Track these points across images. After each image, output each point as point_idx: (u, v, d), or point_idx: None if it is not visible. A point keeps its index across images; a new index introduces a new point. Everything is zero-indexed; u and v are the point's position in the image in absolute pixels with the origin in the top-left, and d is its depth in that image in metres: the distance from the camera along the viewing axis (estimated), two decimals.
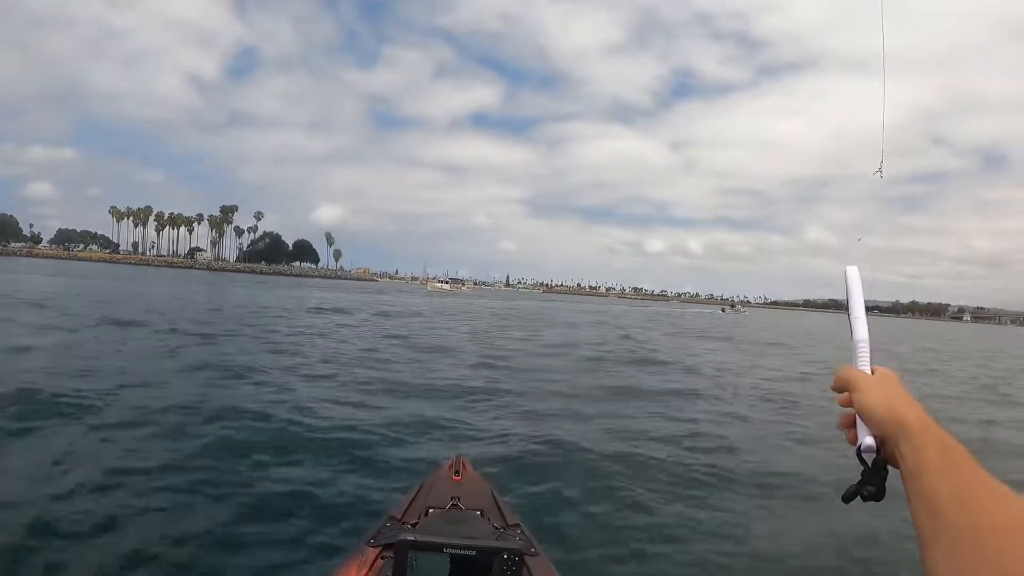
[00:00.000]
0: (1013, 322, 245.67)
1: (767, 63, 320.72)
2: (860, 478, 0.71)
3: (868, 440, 0.71)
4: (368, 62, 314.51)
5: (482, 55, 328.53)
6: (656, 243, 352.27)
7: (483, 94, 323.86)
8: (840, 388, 0.75)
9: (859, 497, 0.72)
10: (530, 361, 14.88)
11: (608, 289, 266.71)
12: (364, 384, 10.11)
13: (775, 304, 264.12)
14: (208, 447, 5.96)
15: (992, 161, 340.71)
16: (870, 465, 0.71)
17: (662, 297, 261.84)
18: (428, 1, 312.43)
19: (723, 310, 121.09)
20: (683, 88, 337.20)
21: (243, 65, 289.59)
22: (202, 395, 8.25)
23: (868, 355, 0.77)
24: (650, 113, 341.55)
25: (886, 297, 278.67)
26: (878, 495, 0.70)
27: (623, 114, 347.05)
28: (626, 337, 24.81)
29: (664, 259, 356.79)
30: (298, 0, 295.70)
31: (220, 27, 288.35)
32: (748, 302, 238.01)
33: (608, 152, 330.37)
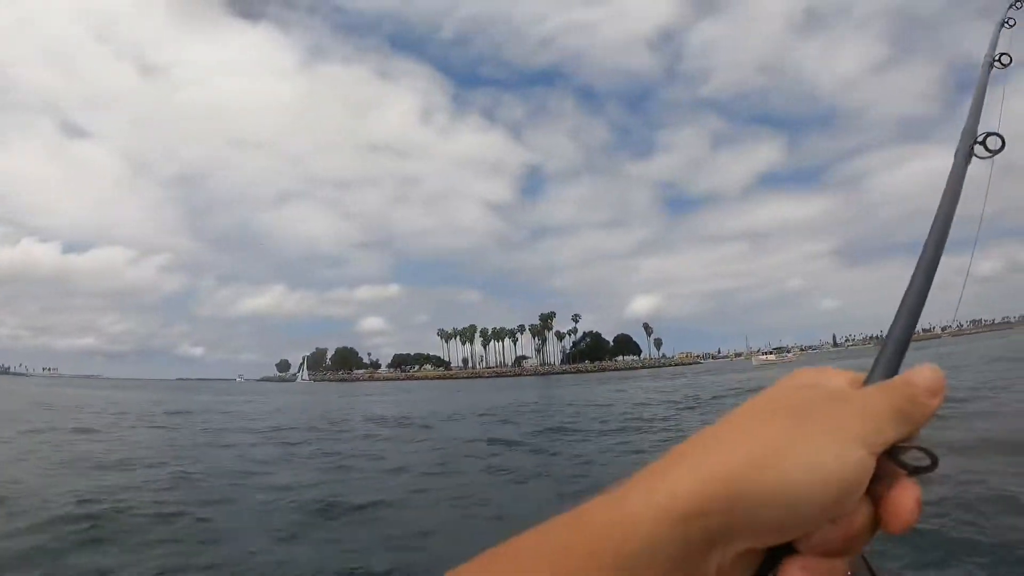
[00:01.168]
0: None
1: None
2: None
3: None
4: (646, 151, 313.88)
5: (753, 115, 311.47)
6: (986, 264, 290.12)
7: (765, 153, 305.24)
8: None
9: None
10: None
11: (943, 328, 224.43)
12: None
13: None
14: None
15: None
16: None
17: (1005, 325, 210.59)
18: (685, 78, 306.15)
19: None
20: (967, 79, 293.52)
21: (533, 183, 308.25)
22: None
23: None
24: (942, 119, 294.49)
25: None
26: None
27: (914, 131, 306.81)
28: None
29: (1000, 280, 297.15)
30: (566, 114, 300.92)
31: (505, 156, 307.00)
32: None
33: (912, 175, 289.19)
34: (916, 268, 0.56)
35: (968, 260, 0.75)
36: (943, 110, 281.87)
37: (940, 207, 0.63)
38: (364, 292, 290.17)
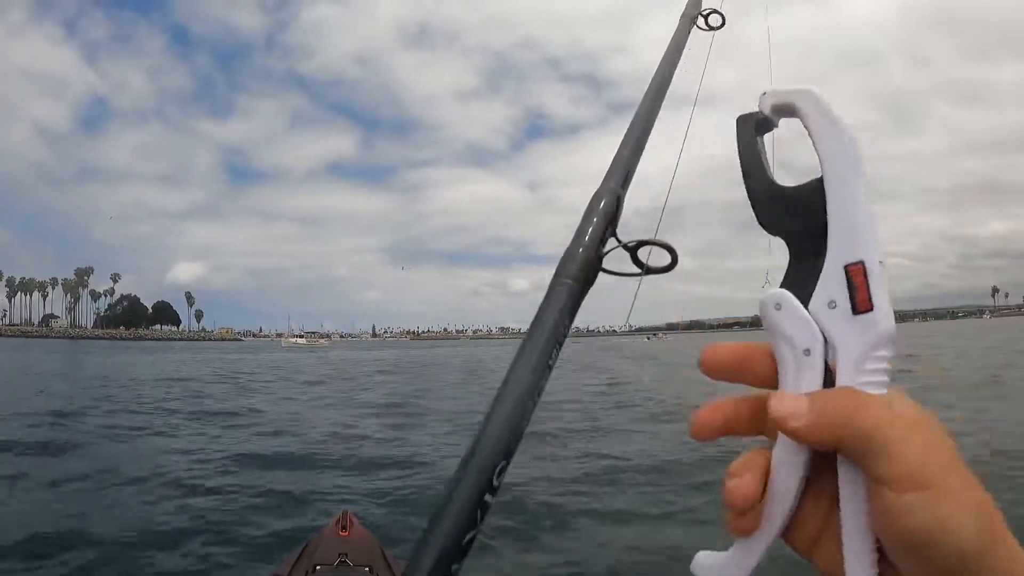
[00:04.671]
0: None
1: (614, 101, 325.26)
2: None
3: None
4: (223, 112, 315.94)
5: (338, 104, 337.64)
6: (520, 282, 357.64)
7: (340, 143, 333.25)
8: (831, 437, 0.35)
9: None
10: None
11: (475, 331, 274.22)
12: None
13: (640, 330, 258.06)
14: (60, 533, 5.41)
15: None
16: None
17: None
18: (286, 49, 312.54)
19: (647, 338, 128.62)
20: (536, 130, 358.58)
21: (95, 116, 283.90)
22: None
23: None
24: (505, 155, 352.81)
25: None
26: None
27: (479, 157, 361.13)
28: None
29: (527, 296, 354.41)
30: (153, 51, 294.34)
31: (73, 78, 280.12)
32: (657, 330, 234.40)
33: (466, 195, 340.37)
34: (635, 117, 0.59)
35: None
36: (508, 147, 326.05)
37: (660, 66, 0.69)
38: None
